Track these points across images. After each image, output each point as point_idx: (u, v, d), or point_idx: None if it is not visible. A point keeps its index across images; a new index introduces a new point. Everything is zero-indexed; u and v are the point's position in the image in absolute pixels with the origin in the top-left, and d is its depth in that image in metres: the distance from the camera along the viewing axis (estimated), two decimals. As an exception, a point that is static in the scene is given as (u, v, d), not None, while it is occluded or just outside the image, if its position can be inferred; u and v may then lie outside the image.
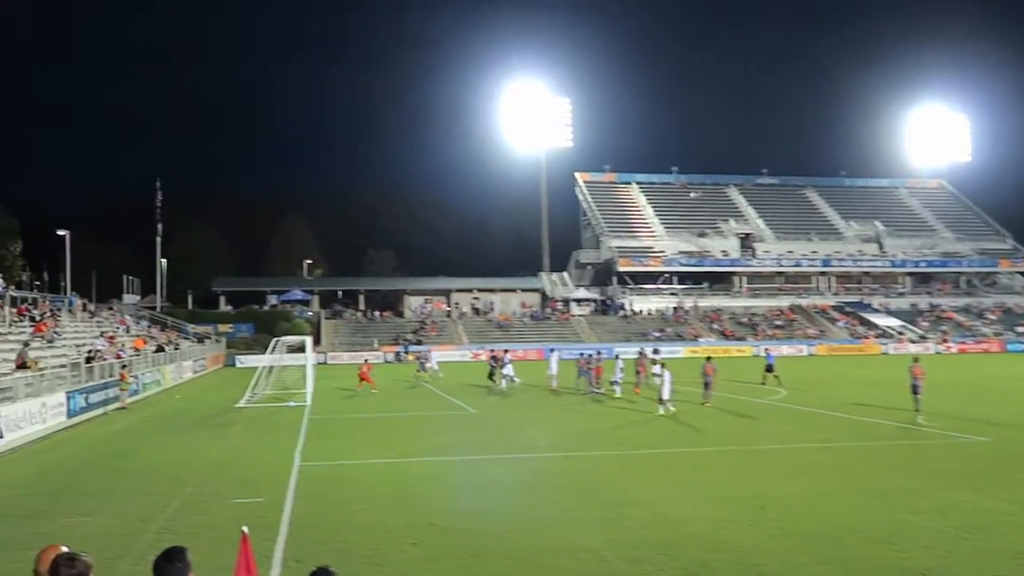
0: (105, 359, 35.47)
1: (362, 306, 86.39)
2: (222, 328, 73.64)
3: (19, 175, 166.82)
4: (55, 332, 38.23)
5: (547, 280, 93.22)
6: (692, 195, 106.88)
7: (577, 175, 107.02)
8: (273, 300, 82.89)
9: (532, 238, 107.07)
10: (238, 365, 63.26)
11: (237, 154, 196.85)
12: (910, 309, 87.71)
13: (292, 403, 31.61)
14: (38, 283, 71.20)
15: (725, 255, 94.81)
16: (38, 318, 38.97)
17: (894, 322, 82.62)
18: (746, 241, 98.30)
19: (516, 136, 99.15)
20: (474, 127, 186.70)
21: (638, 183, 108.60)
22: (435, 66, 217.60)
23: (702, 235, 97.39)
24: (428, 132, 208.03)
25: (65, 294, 56.32)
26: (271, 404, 31.96)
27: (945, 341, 75.85)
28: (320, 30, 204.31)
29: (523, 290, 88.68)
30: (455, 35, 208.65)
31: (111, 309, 61.40)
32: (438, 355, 53.25)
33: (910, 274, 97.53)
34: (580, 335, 77.88)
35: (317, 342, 68.32)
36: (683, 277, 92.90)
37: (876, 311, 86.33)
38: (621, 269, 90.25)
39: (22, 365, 28.55)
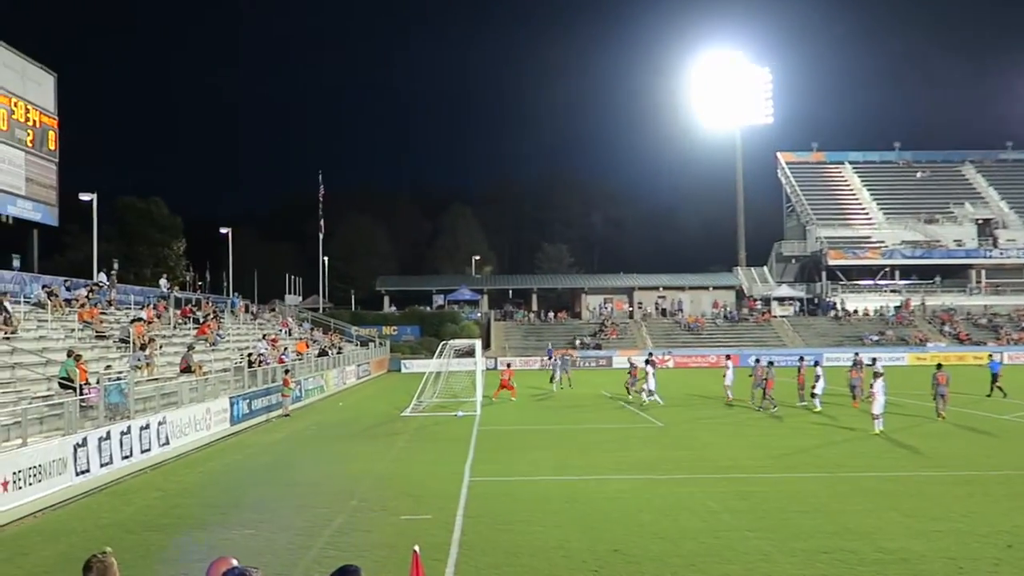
0: (267, 363, 37.59)
1: (535, 306, 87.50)
2: (386, 330, 76.48)
3: (182, 173, 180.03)
4: (218, 335, 40.84)
5: (744, 276, 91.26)
6: (918, 175, 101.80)
7: (779, 155, 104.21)
8: (439, 300, 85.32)
9: (726, 229, 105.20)
10: (403, 370, 65.44)
11: (398, 145, 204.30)
12: None
13: (460, 413, 32.37)
14: (201, 283, 76.32)
15: (959, 245, 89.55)
16: (201, 320, 41.75)
17: None
18: (985, 228, 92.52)
19: (708, 113, 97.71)
20: (659, 104, 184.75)
21: (852, 163, 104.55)
22: (613, 35, 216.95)
23: (930, 221, 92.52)
24: (606, 112, 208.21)
25: (228, 295, 60.14)
26: (438, 413, 32.86)
27: None
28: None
29: (716, 288, 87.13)
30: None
31: (273, 311, 65.00)
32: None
33: None
34: (783, 339, 75.74)
35: (487, 346, 69.74)
36: (907, 271, 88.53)
37: None
38: (832, 263, 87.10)
39: (187, 369, 30.67)
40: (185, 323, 40.87)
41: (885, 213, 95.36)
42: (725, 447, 23.63)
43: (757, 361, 35.75)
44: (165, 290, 45.72)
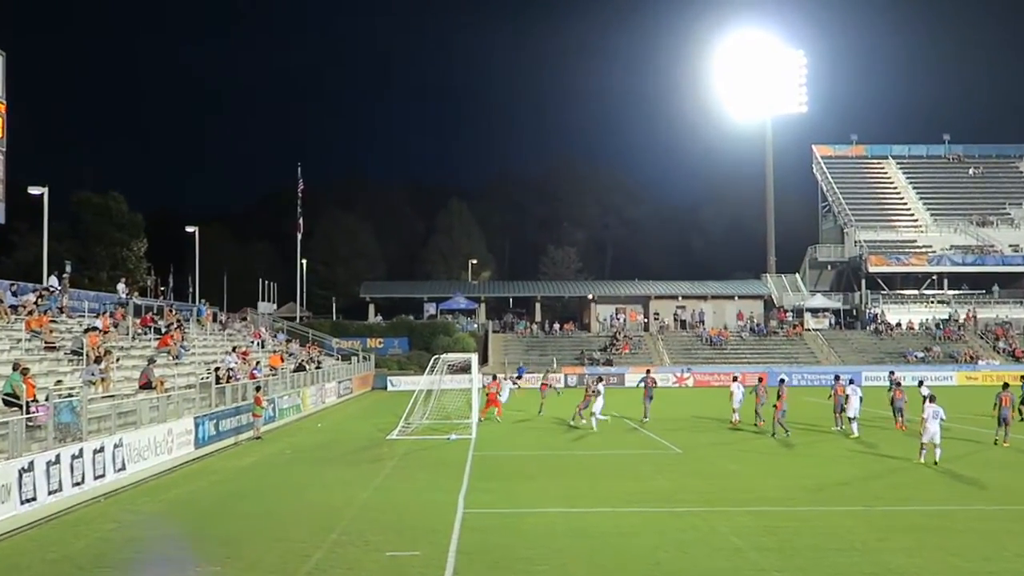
0: (237, 379, 37.60)
1: (538, 317, 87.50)
2: (371, 343, 76.54)
3: (144, 166, 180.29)
4: (182, 347, 40.87)
5: (773, 284, 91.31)
6: (971, 172, 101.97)
7: (814, 148, 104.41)
8: (431, 309, 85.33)
9: (754, 231, 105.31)
10: (390, 388, 65.49)
11: (389, 134, 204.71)
12: None
13: (453, 436, 32.37)
14: (163, 288, 76.36)
15: (1016, 250, 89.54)
16: (163, 330, 41.78)
17: None
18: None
19: (735, 101, 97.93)
20: (681, 92, 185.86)
21: (895, 157, 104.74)
22: (631, 14, 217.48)
23: (983, 224, 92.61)
24: (622, 99, 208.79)
25: (193, 302, 60.16)
26: (428, 436, 32.84)
27: None
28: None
29: (742, 297, 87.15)
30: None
31: (244, 320, 65.04)
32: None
33: None
34: (816, 355, 75.81)
35: (484, 361, 69.73)
36: (956, 280, 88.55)
37: None
38: (872, 270, 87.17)
39: (147, 385, 30.68)
40: (145, 333, 40.88)
41: (933, 214, 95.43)
42: (751, 476, 23.63)
43: (837, 379, 35.83)
44: (123, 296, 45.74)
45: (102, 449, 21.56)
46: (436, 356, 40.18)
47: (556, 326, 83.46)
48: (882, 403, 37.90)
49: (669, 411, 42.75)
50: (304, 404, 44.58)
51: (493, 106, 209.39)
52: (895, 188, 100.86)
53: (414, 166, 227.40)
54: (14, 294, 34.96)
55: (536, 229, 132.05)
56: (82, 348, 31.64)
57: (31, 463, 18.47)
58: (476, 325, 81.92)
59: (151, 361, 33.45)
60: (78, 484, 20.22)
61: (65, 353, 32.07)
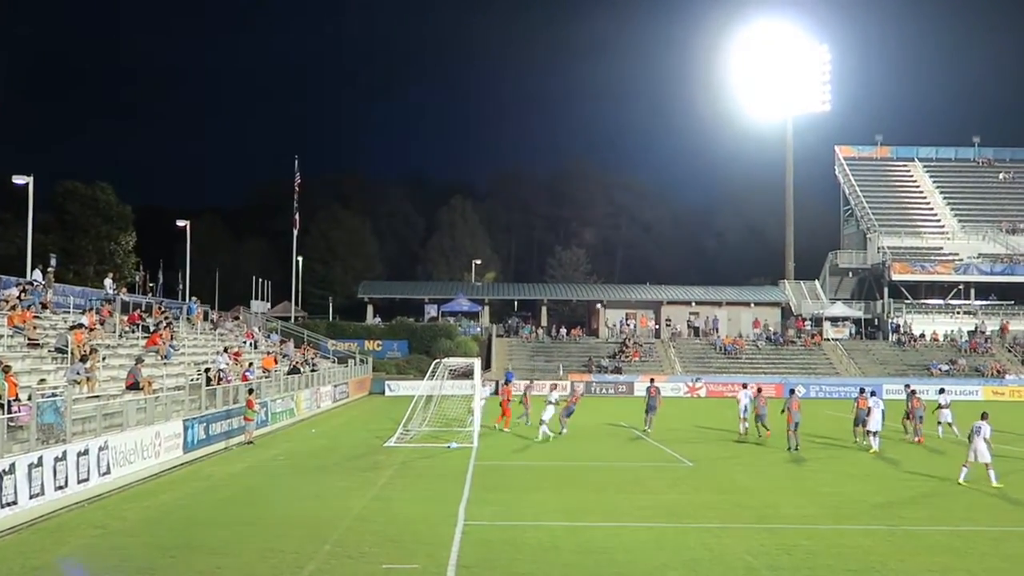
0: (228, 380, 37.64)
1: (544, 321, 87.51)
2: (369, 345, 76.54)
3: (135, 156, 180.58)
4: (171, 346, 40.92)
5: (791, 291, 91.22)
6: (1001, 176, 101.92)
7: (837, 149, 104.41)
8: (432, 311, 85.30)
9: (772, 235, 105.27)
10: (388, 393, 65.54)
11: (391, 128, 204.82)
12: None
13: (454, 444, 32.39)
14: (152, 285, 76.39)
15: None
16: (152, 328, 41.83)
17: None
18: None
19: (754, 98, 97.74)
20: (697, 88, 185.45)
21: (922, 160, 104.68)
22: (644, 6, 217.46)
23: (1014, 231, 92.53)
24: (636, 95, 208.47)
25: (183, 299, 60.19)
26: (428, 444, 32.87)
27: None
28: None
29: (758, 304, 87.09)
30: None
31: (236, 319, 65.10)
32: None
33: None
34: (836, 366, 75.73)
35: (487, 366, 69.71)
36: (984, 290, 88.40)
37: None
38: (896, 278, 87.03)
39: (134, 385, 30.72)
40: (133, 331, 40.92)
41: (960, 220, 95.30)
42: (766, 492, 23.62)
43: (861, 392, 36.03)
44: (110, 292, 45.80)
45: (86, 452, 21.58)
46: (437, 360, 40.15)
47: (563, 331, 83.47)
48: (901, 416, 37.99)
49: (680, 422, 42.73)
50: (298, 408, 44.61)
51: (500, 103, 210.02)
52: (921, 192, 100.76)
53: (416, 162, 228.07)
54: (-4, 288, 35.00)
55: (543, 229, 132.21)
56: (67, 346, 31.68)
57: (12, 465, 18.49)
58: (479, 328, 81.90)
59: (139, 361, 33.48)
60: (61, 488, 20.23)
61: (49, 351, 32.10)
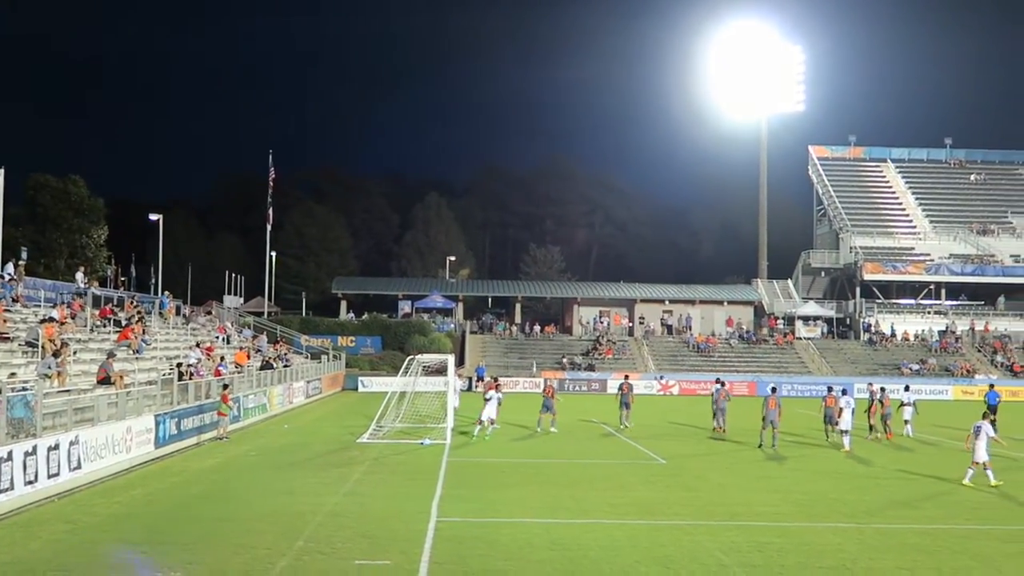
0: (200, 375, 37.46)
1: (518, 318, 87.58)
2: (342, 341, 76.41)
3: (106, 147, 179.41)
4: (143, 340, 40.69)
5: (764, 290, 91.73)
6: (973, 178, 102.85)
7: (811, 149, 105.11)
8: (406, 307, 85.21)
9: (745, 234, 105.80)
10: (361, 389, 65.46)
11: (366, 123, 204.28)
12: None
13: (427, 440, 32.35)
14: (124, 279, 75.97)
15: (1017, 260, 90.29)
16: (124, 322, 41.58)
17: None
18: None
19: (729, 97, 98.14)
20: (671, 87, 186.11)
21: (895, 161, 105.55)
22: (622, 4, 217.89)
23: (984, 232, 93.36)
24: (612, 94, 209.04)
25: (156, 293, 59.87)
26: (401, 440, 32.82)
27: None
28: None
29: (731, 303, 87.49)
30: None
31: (209, 314, 64.81)
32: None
33: None
34: (807, 364, 76.20)
35: (460, 362, 69.72)
36: (955, 290, 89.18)
37: None
38: (868, 277, 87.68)
39: (105, 380, 30.52)
40: (104, 325, 40.69)
41: (932, 221, 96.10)
42: (738, 490, 23.71)
43: (829, 391, 36.43)
44: (82, 286, 45.49)
45: (57, 446, 21.42)
46: (410, 356, 40.05)
47: (536, 328, 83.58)
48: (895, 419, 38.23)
49: (653, 419, 42.84)
50: (271, 404, 44.45)
51: (477, 101, 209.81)
52: (893, 193, 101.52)
53: (391, 158, 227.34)
54: (-34, 281, 34.72)
55: (518, 227, 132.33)
56: (37, 340, 31.45)
57: (-19, 459, 18.35)
58: (453, 325, 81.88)
59: (110, 355, 33.27)
60: (31, 483, 20.08)
61: (19, 344, 31.87)
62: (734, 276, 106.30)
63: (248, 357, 50.31)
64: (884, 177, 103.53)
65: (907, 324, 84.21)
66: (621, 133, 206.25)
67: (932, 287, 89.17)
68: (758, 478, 26.02)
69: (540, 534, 17.47)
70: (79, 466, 22.42)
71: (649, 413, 43.59)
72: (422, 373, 40.59)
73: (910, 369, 73.44)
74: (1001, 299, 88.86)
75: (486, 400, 35.97)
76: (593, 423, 41.52)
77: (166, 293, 56.42)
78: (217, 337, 54.01)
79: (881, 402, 36.87)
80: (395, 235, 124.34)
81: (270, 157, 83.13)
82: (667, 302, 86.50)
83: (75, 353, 32.94)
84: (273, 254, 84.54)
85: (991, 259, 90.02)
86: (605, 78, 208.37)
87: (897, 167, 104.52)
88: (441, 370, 42.21)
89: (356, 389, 66.12)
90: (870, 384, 41.73)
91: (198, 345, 45.78)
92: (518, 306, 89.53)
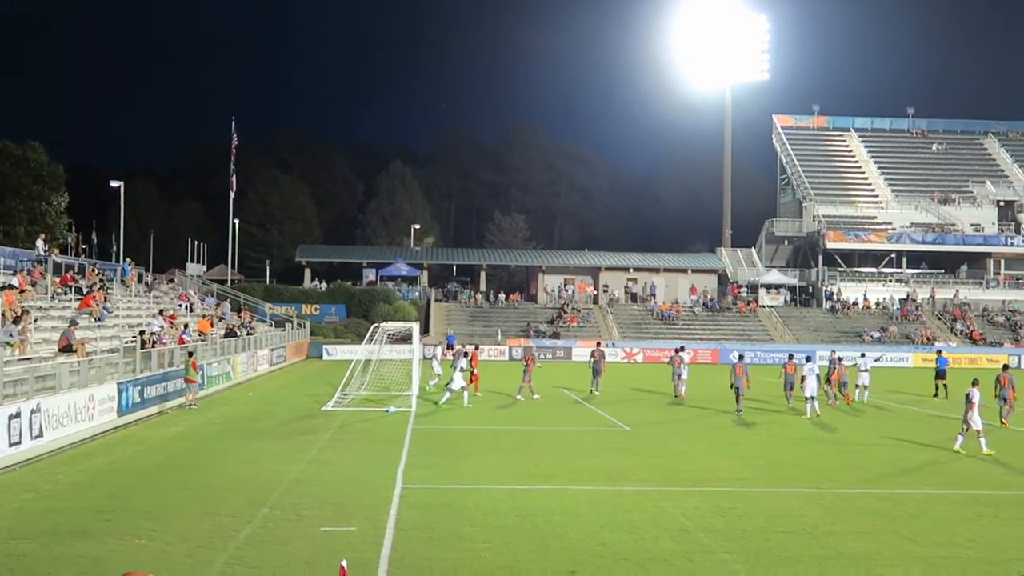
0: (163, 343, 37.24)
1: (483, 286, 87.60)
2: (306, 309, 76.21)
3: (67, 115, 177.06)
4: (105, 308, 40.37)
5: (728, 258, 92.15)
6: (934, 147, 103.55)
7: (775, 118, 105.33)
8: (370, 275, 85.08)
9: (710, 203, 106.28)
10: (326, 357, 65.31)
11: (330, 90, 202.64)
12: None
13: (392, 408, 32.38)
14: (85, 246, 75.23)
15: (977, 230, 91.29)
16: (85, 290, 41.21)
17: None
18: (1007, 211, 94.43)
19: (694, 66, 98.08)
20: (636, 56, 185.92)
21: (858, 130, 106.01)
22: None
23: (945, 201, 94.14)
24: (577, 62, 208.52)
25: (117, 261, 59.35)
26: (366, 408, 32.83)
27: None
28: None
29: (695, 271, 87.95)
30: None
31: (171, 281, 64.39)
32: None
33: None
34: (770, 332, 76.77)
35: (425, 330, 69.76)
36: (916, 258, 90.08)
37: None
38: (830, 246, 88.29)
39: (67, 348, 30.29)
40: (65, 293, 40.31)
41: (894, 190, 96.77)
42: (702, 456, 23.93)
43: (790, 358, 37.11)
44: (42, 253, 45.03)
45: (18, 415, 21.28)
46: (375, 324, 40.00)
47: (501, 296, 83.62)
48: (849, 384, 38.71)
49: (617, 387, 43.06)
50: (235, 372, 44.31)
51: (441, 69, 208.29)
52: (856, 162, 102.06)
53: (354, 126, 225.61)
54: (-76, 248, 34.25)
55: (484, 195, 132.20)
56: (-3, 307, 31.12)
57: (-58, 428, 18.20)
58: (418, 293, 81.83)
59: (72, 323, 33.00)
60: (-8, 451, 19.96)
61: (-21, 312, 31.52)
62: (698, 244, 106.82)
63: (211, 325, 50.03)
64: (847, 146, 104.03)
65: (869, 292, 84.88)
66: (586, 102, 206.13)
67: (893, 256, 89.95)
68: (721, 444, 26.25)
69: (505, 500, 17.56)
70: (41, 434, 22.29)
71: (613, 380, 43.82)
72: (387, 341, 40.60)
73: (871, 336, 74.15)
74: (964, 268, 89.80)
75: (461, 370, 35.91)
76: (559, 390, 41.68)
77: (128, 260, 55.92)
78: (180, 305, 53.66)
79: (837, 370, 37.50)
80: (359, 203, 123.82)
81: (232, 124, 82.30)
82: (631, 270, 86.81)
83: (36, 321, 32.64)
84: (236, 222, 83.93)
85: (952, 228, 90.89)
86: (570, 47, 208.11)
87: (860, 136, 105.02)
88: (406, 338, 42.24)
89: (321, 357, 66.00)
90: (832, 352, 42.27)
91: (161, 313, 45.48)
92: (483, 274, 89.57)
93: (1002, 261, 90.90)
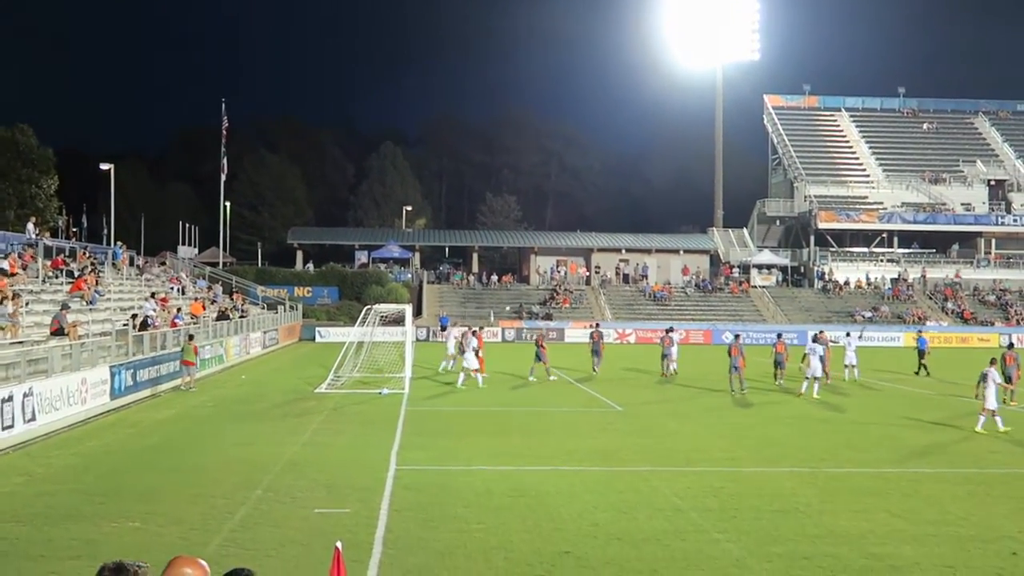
0: (156, 326, 37.19)
1: (475, 268, 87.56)
2: (299, 292, 76.12)
3: (57, 98, 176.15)
4: (96, 291, 40.28)
5: (720, 238, 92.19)
6: (925, 127, 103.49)
7: (766, 98, 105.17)
8: (363, 257, 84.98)
9: (701, 183, 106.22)
10: (318, 339, 65.31)
11: (320, 72, 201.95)
12: None
13: (385, 390, 32.38)
14: (76, 229, 75.01)
15: (968, 209, 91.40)
16: (76, 273, 41.11)
17: None
18: (998, 190, 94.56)
19: (684, 46, 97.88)
20: (627, 35, 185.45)
21: (848, 110, 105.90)
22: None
23: (936, 181, 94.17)
24: (567, 42, 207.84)
25: (109, 244, 59.18)
26: (359, 390, 32.86)
27: None
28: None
29: (687, 251, 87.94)
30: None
31: (163, 264, 64.21)
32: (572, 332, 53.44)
33: None
34: (762, 312, 76.89)
35: (418, 312, 69.73)
36: (907, 238, 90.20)
37: None
38: (822, 226, 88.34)
39: (58, 331, 30.23)
40: (57, 276, 40.21)
41: (885, 170, 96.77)
42: (694, 436, 23.99)
43: (779, 337, 38.12)
44: (32, 236, 44.87)
45: (10, 398, 21.23)
46: (368, 307, 40.03)
47: (494, 278, 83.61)
48: (836, 363, 38.69)
49: (609, 367, 43.09)
50: (227, 355, 44.28)
51: (431, 49, 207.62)
52: (847, 142, 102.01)
53: (346, 107, 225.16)
54: (-86, 232, 34.12)
55: (475, 177, 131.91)
56: (-12, 291, 31.02)
57: (-66, 412, 18.16)
58: (410, 275, 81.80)
59: (64, 306, 32.93)
60: (-15, 435, 19.93)
61: (-30, 296, 31.41)
62: (690, 225, 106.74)
63: (203, 308, 49.95)
64: (838, 126, 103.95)
65: (860, 272, 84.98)
66: (576, 82, 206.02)
67: (885, 235, 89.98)
68: (713, 424, 26.31)
69: (498, 481, 17.59)
70: (34, 418, 22.25)
71: (606, 361, 43.86)
72: (379, 323, 40.63)
73: (863, 316, 74.31)
74: (955, 247, 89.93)
75: (473, 350, 35.97)
76: (553, 371, 41.74)
77: (119, 243, 55.79)
78: (171, 288, 53.57)
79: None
80: (351, 185, 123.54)
81: (223, 106, 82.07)
82: (623, 251, 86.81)
83: (27, 304, 32.56)
84: (227, 204, 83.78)
85: (943, 207, 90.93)
86: (561, 27, 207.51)
87: (851, 116, 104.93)
88: (398, 320, 42.25)
89: (313, 339, 65.99)
90: (821, 332, 42.41)
91: (153, 296, 45.39)
92: (475, 256, 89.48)
93: (993, 240, 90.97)
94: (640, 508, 15.53)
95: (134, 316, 37.08)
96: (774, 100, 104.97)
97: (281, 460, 19.46)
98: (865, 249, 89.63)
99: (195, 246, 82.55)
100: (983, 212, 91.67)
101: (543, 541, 13.34)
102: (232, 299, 59.28)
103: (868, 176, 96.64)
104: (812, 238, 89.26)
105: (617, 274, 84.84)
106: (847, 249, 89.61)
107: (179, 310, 45.44)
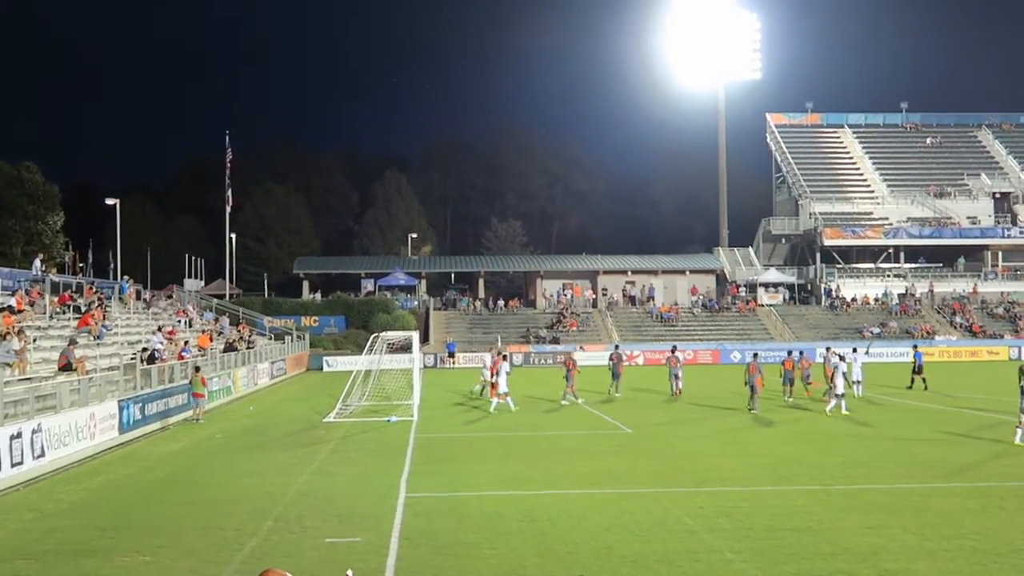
0: (163, 359, 37.21)
1: (482, 293, 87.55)
2: (305, 321, 76.10)
3: (62, 134, 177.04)
4: (104, 326, 40.33)
5: (725, 258, 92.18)
6: (928, 141, 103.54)
7: (768, 117, 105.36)
8: (368, 286, 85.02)
9: (705, 203, 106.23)
10: (326, 368, 65.28)
11: (323, 101, 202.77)
12: None
13: (394, 418, 32.34)
14: (82, 265, 75.13)
15: (974, 223, 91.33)
16: (83, 309, 41.18)
17: None
18: (1003, 203, 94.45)
19: (686, 66, 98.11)
20: (629, 56, 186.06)
21: (851, 126, 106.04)
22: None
23: (941, 195, 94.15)
24: (569, 64, 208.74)
25: (115, 278, 59.28)
26: (368, 418, 32.81)
27: None
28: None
29: (693, 271, 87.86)
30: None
31: (170, 298, 64.29)
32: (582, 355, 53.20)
33: None
34: (770, 331, 76.75)
35: (425, 339, 69.72)
36: (914, 253, 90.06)
37: None
38: (827, 243, 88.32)
39: (66, 367, 30.25)
40: (64, 312, 40.27)
41: (889, 185, 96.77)
42: (705, 456, 23.92)
43: (789, 354, 38.47)
44: (39, 273, 44.98)
45: (19, 435, 21.23)
46: (375, 334, 40.02)
47: (500, 303, 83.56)
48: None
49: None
50: (235, 386, 44.26)
51: (434, 73, 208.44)
52: (851, 158, 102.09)
53: (348, 135, 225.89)
54: (-79, 271, 34.21)
55: (479, 201, 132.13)
56: (-4, 328, 31.07)
57: (-57, 450, 18.16)
58: (416, 302, 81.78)
59: (71, 342, 32.98)
60: (-6, 472, 19.92)
61: (-23, 334, 31.46)
62: (695, 245, 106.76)
63: (211, 340, 49.99)
64: (841, 143, 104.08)
65: (867, 288, 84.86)
66: (579, 104, 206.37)
67: (891, 251, 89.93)
68: (724, 443, 26.26)
69: (509, 506, 17.54)
70: (43, 454, 22.25)
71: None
72: (387, 351, 40.60)
73: (871, 332, 74.12)
74: (961, 260, 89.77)
75: (505, 374, 36.14)
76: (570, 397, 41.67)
77: (126, 278, 55.93)
78: (179, 321, 53.61)
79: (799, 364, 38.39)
80: (355, 213, 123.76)
81: (227, 139, 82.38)
82: (629, 273, 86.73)
83: (35, 341, 32.60)
84: (233, 236, 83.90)
85: (948, 221, 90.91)
86: (562, 48, 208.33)
87: (854, 132, 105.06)
88: (406, 347, 42.24)
89: (321, 369, 65.97)
90: (828, 348, 42.30)
91: (160, 329, 45.43)
92: (481, 281, 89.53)
93: (1000, 253, 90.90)
94: (653, 530, 15.47)
95: (144, 350, 37.11)
96: (776, 118, 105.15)
97: (291, 490, 19.42)
98: (871, 265, 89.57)
99: (201, 278, 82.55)
100: (989, 225, 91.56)
101: (556, 565, 13.29)
102: (239, 330, 59.30)
103: (873, 192, 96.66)
104: (818, 255, 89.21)
105: (623, 296, 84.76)
106: (853, 265, 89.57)
107: (186, 343, 45.45)
